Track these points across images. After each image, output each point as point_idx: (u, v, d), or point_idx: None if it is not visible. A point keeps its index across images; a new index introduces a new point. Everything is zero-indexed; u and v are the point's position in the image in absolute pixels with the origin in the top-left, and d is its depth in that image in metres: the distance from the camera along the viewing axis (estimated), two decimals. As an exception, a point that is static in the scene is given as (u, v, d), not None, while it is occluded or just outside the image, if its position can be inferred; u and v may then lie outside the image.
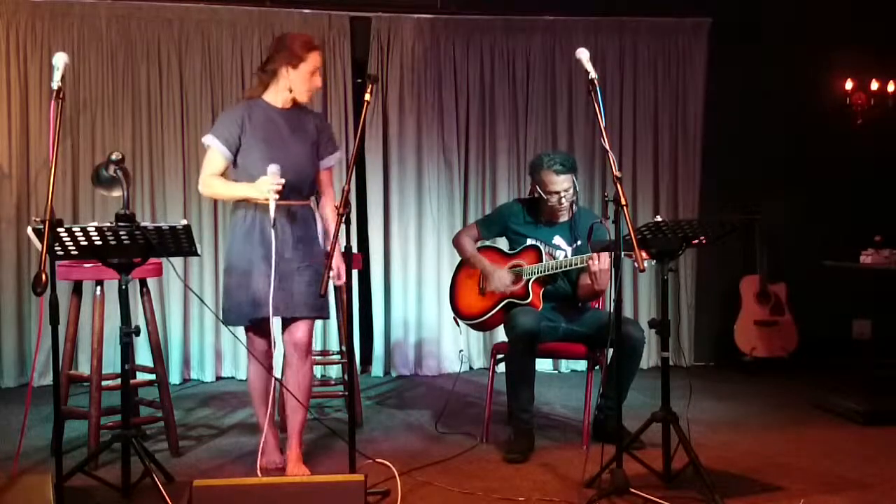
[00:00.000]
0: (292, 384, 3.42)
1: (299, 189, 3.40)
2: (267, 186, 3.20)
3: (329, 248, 3.26)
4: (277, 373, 3.59)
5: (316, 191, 3.54)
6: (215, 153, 3.42)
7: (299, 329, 3.41)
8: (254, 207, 3.36)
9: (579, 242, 4.00)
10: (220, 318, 3.51)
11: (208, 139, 3.45)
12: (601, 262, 3.63)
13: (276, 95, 3.43)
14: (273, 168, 3.21)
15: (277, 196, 3.20)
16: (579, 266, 3.78)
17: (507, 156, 5.78)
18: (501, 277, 3.93)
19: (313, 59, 3.38)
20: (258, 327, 3.44)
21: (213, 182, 3.43)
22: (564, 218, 4.02)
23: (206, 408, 4.79)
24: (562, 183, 3.90)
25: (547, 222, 4.04)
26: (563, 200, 3.93)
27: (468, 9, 5.70)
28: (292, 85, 3.39)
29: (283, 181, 3.20)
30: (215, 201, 5.45)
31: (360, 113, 3.24)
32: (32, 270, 5.17)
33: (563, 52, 5.75)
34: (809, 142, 5.85)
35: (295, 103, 3.46)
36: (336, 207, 3.04)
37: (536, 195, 4.01)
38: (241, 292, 3.37)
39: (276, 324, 3.40)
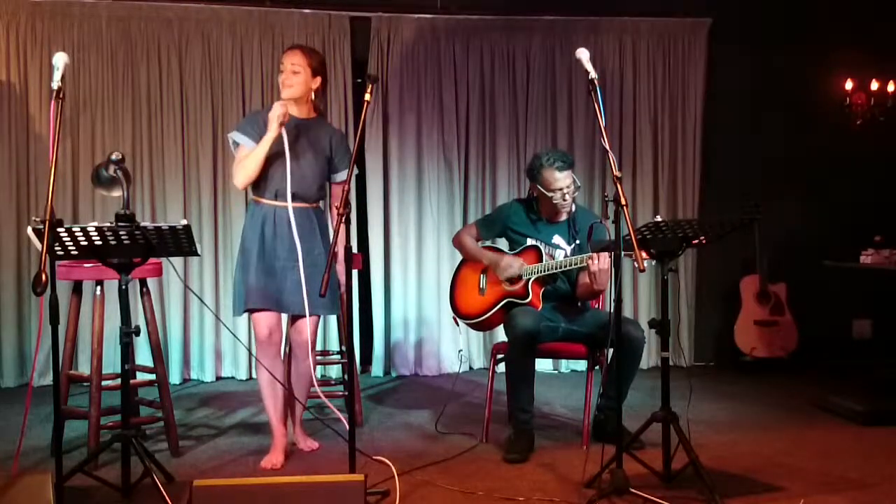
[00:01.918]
0: (293, 376, 3.82)
1: (304, 196, 3.60)
2: (274, 115, 3.46)
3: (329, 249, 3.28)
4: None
5: (325, 197, 3.77)
6: (244, 149, 3.60)
7: (298, 325, 3.68)
8: (261, 206, 3.60)
9: (578, 241, 4.00)
10: (234, 310, 3.73)
11: (238, 137, 3.62)
12: (600, 262, 3.63)
13: (293, 106, 3.64)
14: (277, 104, 3.49)
15: (284, 118, 3.48)
16: (579, 266, 3.78)
17: (507, 156, 5.77)
18: (511, 263, 3.92)
19: (283, 62, 3.62)
20: (264, 317, 3.65)
21: (239, 163, 3.58)
22: (563, 217, 4.02)
23: (206, 408, 4.79)
24: (564, 180, 3.91)
25: (546, 222, 4.04)
26: (567, 197, 3.93)
27: (468, 9, 5.70)
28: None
29: (285, 110, 3.48)
30: (215, 201, 5.45)
31: (360, 113, 3.24)
32: (32, 270, 5.18)
33: (563, 52, 5.75)
34: (809, 142, 5.86)
35: (315, 114, 3.71)
36: (336, 207, 3.07)
37: (536, 195, 4.01)
38: (244, 282, 3.60)
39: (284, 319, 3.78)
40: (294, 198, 3.56)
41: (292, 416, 3.88)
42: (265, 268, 3.56)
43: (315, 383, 3.71)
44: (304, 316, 3.59)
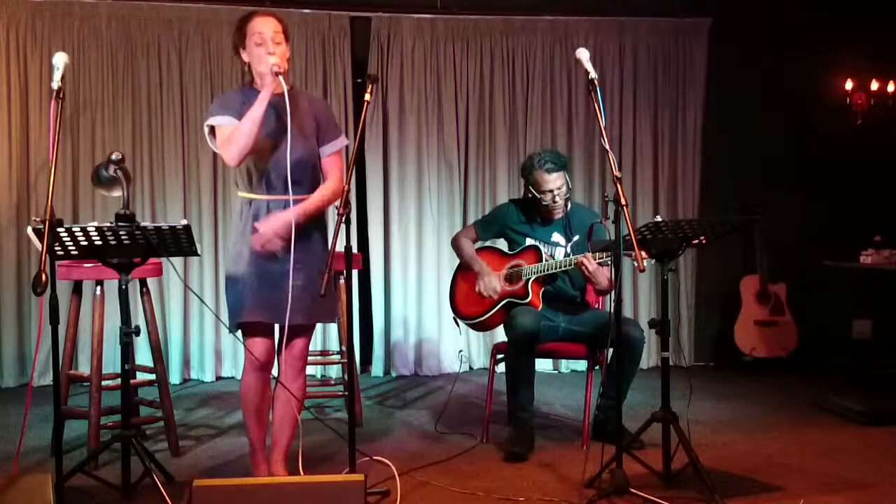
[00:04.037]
0: (278, 399, 3.22)
1: (299, 183, 3.09)
2: (266, 68, 3.01)
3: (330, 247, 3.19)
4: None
5: (318, 185, 3.22)
6: (227, 128, 3.07)
7: (292, 338, 3.17)
8: (248, 203, 3.15)
9: (577, 238, 4.01)
10: (225, 322, 3.27)
11: (216, 120, 3.09)
12: (589, 263, 3.66)
13: (262, 82, 3.08)
14: (268, 57, 3.03)
15: (277, 69, 2.99)
16: (571, 267, 3.80)
17: (507, 156, 5.78)
18: (491, 282, 3.93)
19: (252, 28, 3.09)
20: (253, 330, 3.17)
21: (230, 135, 3.02)
22: (559, 215, 4.02)
23: (206, 408, 4.79)
24: (554, 181, 3.91)
25: (542, 221, 4.05)
26: (557, 198, 3.94)
27: (468, 9, 5.70)
28: (252, 65, 3.11)
29: (278, 61, 3.00)
30: (215, 201, 5.45)
31: (360, 113, 3.22)
32: (32, 270, 5.17)
33: (563, 52, 5.75)
34: (809, 142, 5.86)
35: (289, 85, 3.13)
36: (336, 207, 2.99)
37: (530, 195, 4.02)
38: (236, 292, 3.16)
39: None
40: (283, 188, 3.07)
41: (274, 447, 3.28)
42: (259, 273, 3.09)
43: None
44: (298, 328, 3.12)
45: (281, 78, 3.01)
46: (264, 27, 3.08)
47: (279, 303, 3.06)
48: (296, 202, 3.09)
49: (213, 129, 3.14)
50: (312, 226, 3.20)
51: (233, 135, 3.01)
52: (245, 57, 3.14)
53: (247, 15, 3.15)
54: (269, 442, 3.29)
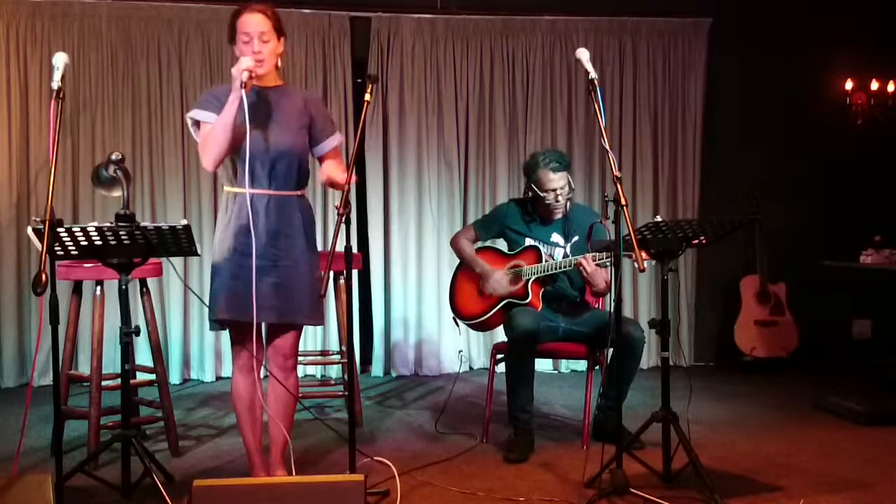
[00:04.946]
0: (271, 398, 3.18)
1: (284, 178, 3.08)
2: (236, 70, 2.92)
3: (329, 246, 3.19)
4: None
5: (307, 183, 3.21)
6: (207, 126, 3.05)
7: (278, 336, 3.14)
8: (234, 197, 3.10)
9: (576, 238, 4.01)
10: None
11: (197, 114, 3.08)
12: (588, 265, 3.66)
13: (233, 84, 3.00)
14: (243, 59, 2.96)
15: (248, 75, 2.91)
16: (572, 268, 3.80)
17: (507, 156, 5.78)
18: (499, 280, 3.94)
19: (240, 26, 3.04)
20: (237, 329, 3.15)
21: (205, 139, 3.03)
22: (559, 216, 4.03)
23: (206, 408, 4.79)
24: (557, 181, 3.92)
25: (542, 221, 4.05)
26: (560, 198, 3.94)
27: (468, 9, 5.70)
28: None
29: (252, 64, 2.93)
30: (215, 201, 5.45)
31: (360, 113, 3.22)
32: (32, 270, 5.17)
33: (563, 52, 5.75)
34: (809, 142, 5.86)
35: (282, 82, 3.19)
36: (337, 207, 2.99)
37: (531, 194, 4.02)
38: (215, 285, 3.13)
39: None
40: (271, 183, 3.05)
41: (272, 447, 3.21)
42: (236, 268, 3.04)
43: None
44: (283, 326, 3.10)
45: (243, 92, 2.90)
46: (250, 26, 3.02)
47: (249, 300, 3.01)
48: (273, 197, 3.06)
49: (197, 122, 3.10)
50: (297, 225, 3.13)
51: (206, 141, 3.01)
52: (237, 52, 3.07)
53: (237, 10, 3.09)
54: (267, 442, 3.28)
